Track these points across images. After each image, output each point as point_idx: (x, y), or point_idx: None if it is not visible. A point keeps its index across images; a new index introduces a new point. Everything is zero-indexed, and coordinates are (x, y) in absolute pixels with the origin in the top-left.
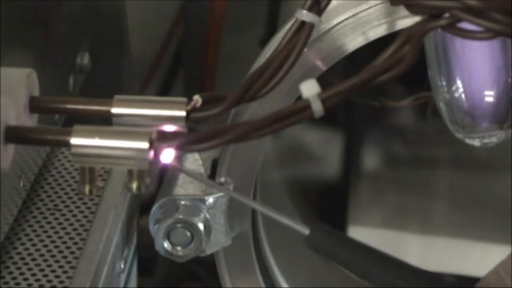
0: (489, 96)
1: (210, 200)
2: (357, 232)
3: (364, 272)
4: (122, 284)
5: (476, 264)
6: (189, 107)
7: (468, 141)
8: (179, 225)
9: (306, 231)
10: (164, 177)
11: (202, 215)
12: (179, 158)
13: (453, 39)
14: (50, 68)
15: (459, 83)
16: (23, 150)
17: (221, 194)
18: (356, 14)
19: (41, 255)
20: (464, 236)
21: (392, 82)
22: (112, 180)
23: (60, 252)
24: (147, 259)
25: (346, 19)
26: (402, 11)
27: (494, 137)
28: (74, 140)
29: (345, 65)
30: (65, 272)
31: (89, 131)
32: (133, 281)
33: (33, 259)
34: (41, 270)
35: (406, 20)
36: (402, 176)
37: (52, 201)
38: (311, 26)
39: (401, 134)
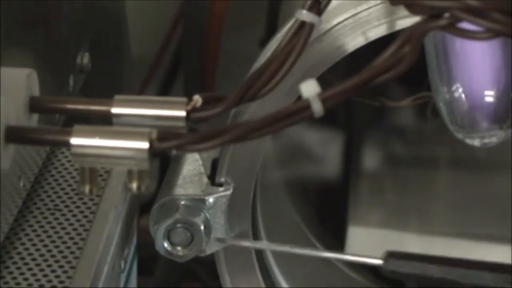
0: (489, 96)
1: (210, 200)
2: (357, 232)
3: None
4: (122, 284)
5: None
6: (189, 107)
7: (468, 141)
8: (179, 225)
9: (379, 261)
10: (164, 177)
11: (202, 215)
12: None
13: (453, 39)
14: (50, 68)
15: (459, 83)
16: (23, 150)
17: (221, 194)
18: (356, 14)
19: (41, 255)
20: (464, 236)
21: (392, 82)
22: (112, 180)
23: (60, 252)
24: (147, 259)
25: (346, 19)
26: (402, 11)
27: (494, 137)
28: (74, 140)
29: (345, 65)
30: (65, 272)
31: (89, 131)
32: (133, 281)
33: (33, 259)
34: (41, 270)
35: (406, 20)
36: (402, 176)
37: (52, 201)
38: (311, 26)
39: (401, 134)
